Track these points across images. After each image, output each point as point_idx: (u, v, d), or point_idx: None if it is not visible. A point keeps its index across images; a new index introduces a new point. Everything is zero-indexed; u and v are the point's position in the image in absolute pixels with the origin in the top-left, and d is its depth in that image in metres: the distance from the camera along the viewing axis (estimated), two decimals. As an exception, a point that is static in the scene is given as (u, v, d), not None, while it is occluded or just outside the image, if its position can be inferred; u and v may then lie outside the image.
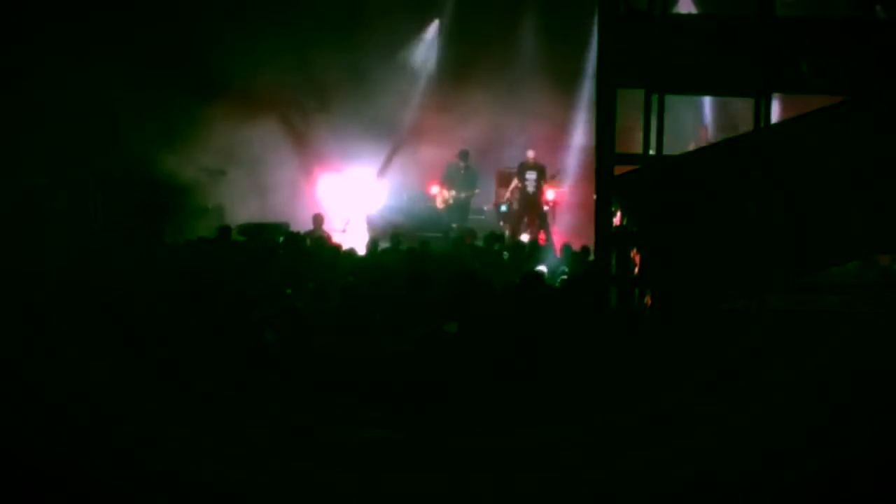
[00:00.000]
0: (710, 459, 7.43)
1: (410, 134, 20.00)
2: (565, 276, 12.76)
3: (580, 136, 19.82)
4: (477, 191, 18.66)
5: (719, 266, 9.66)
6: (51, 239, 14.50)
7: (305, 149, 19.59)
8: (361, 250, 15.21)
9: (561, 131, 20.08)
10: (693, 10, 18.71)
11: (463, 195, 18.38)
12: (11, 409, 7.60)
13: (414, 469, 7.35)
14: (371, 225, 18.64)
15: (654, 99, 9.84)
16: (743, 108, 13.72)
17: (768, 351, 8.95)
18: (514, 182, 18.58)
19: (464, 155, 18.53)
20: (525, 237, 17.77)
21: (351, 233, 18.40)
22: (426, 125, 19.89)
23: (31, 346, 8.39)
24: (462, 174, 18.48)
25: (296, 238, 15.05)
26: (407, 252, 14.05)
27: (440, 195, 18.53)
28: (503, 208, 18.92)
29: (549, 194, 18.76)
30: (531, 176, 18.30)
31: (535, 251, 15.34)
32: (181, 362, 8.30)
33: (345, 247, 15.46)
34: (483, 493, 7.10)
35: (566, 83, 19.93)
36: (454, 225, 17.98)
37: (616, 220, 10.02)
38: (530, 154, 18.55)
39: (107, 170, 17.14)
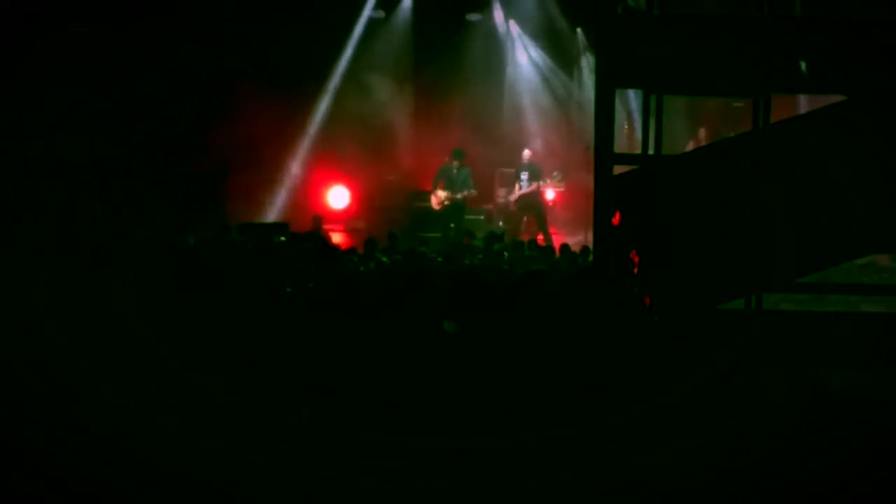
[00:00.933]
0: (708, 460, 7.44)
1: (408, 134, 19.97)
2: None
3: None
4: (473, 191, 18.57)
5: (718, 266, 9.66)
6: (50, 238, 14.49)
7: (305, 148, 19.58)
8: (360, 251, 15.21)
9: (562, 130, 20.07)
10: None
11: (458, 195, 18.32)
12: (11, 409, 7.60)
13: (413, 469, 7.36)
14: (370, 225, 18.64)
15: (653, 99, 9.86)
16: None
17: (767, 351, 8.95)
18: (516, 185, 18.57)
19: (458, 154, 18.45)
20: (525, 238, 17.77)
21: (349, 233, 18.40)
22: (424, 124, 19.87)
23: (30, 346, 8.39)
24: (455, 174, 18.41)
25: (297, 239, 15.05)
26: (406, 252, 14.04)
27: (435, 195, 18.47)
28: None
29: (549, 194, 18.75)
30: (524, 176, 18.31)
31: (535, 251, 15.33)
32: (181, 362, 8.31)
33: (343, 247, 15.47)
34: (483, 492, 7.11)
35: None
36: (451, 225, 17.96)
37: (615, 220, 10.02)
38: (526, 153, 18.54)
39: (107, 168, 17.14)
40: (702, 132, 18.53)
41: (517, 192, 18.41)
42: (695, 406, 8.06)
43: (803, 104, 14.14)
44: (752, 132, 9.94)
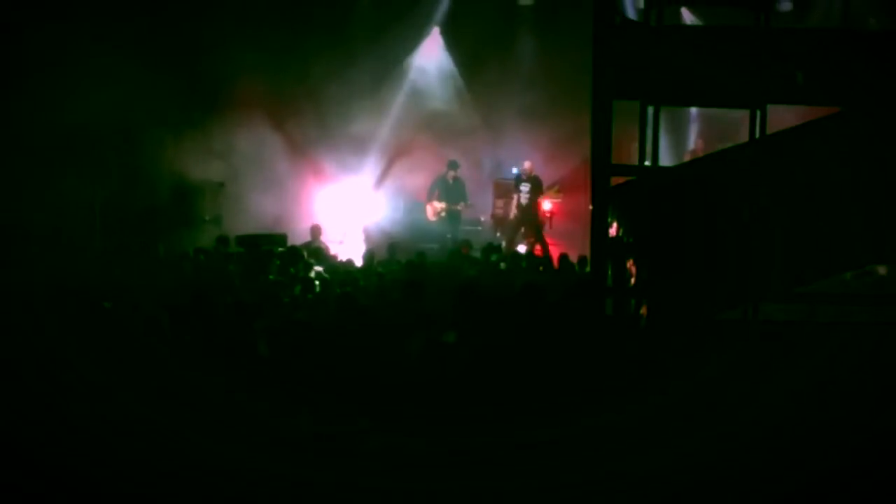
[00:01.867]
0: (703, 464, 7.49)
1: (407, 144, 19.98)
2: None
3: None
4: (470, 203, 18.57)
5: (715, 276, 9.68)
6: (51, 252, 14.55)
7: (303, 160, 19.60)
8: (359, 261, 15.25)
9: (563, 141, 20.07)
10: (695, 21, 18.69)
11: (455, 206, 18.34)
12: (13, 412, 7.65)
13: (412, 470, 7.41)
14: (368, 236, 18.67)
15: (650, 110, 9.87)
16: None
17: (763, 360, 8.97)
18: (515, 196, 18.58)
19: (453, 165, 18.47)
20: (522, 248, 17.81)
21: (348, 244, 18.42)
22: (422, 135, 19.87)
23: (33, 353, 8.44)
24: (451, 185, 18.42)
25: (295, 250, 15.10)
26: (405, 264, 14.09)
27: (431, 207, 18.49)
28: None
29: (546, 205, 18.78)
30: (525, 188, 18.32)
31: (532, 262, 15.38)
32: (182, 370, 8.36)
33: (342, 258, 15.52)
34: (482, 493, 7.16)
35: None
36: (448, 235, 17.98)
37: (612, 231, 10.03)
38: (526, 165, 18.56)
39: (108, 182, 17.19)
40: (699, 143, 18.61)
41: (515, 201, 18.48)
42: (690, 413, 8.10)
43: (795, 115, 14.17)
44: (748, 142, 9.95)
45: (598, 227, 9.82)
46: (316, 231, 17.16)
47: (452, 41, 20.40)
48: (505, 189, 19.22)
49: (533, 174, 18.44)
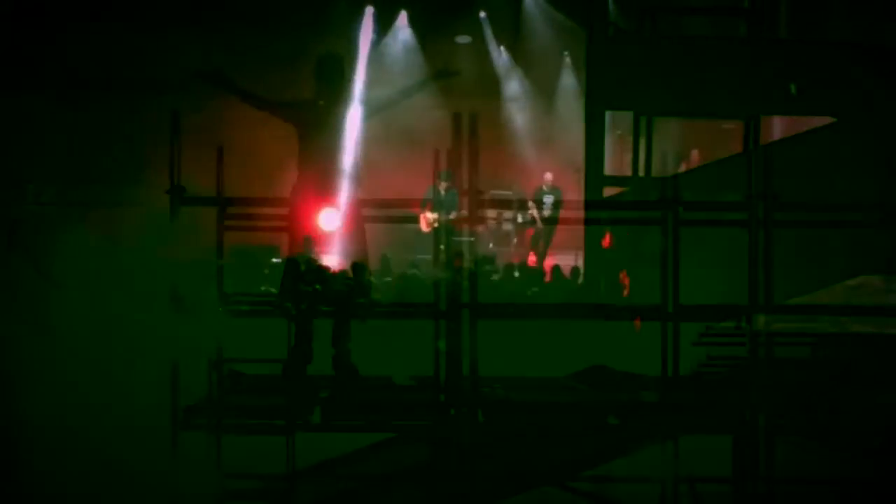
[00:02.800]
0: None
1: (399, 154, 19.94)
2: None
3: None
4: (464, 213, 18.46)
5: (709, 287, 9.65)
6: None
7: (296, 170, 19.55)
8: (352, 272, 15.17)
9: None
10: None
11: (447, 217, 18.21)
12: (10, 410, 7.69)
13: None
14: (360, 248, 18.60)
15: (643, 121, 9.87)
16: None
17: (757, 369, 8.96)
18: (532, 207, 18.52)
19: (446, 174, 18.33)
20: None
21: (341, 255, 18.36)
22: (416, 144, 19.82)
23: (32, 349, 8.48)
24: (444, 195, 18.30)
25: (294, 262, 15.02)
26: (398, 276, 14.05)
27: (423, 218, 18.39)
28: None
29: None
30: (548, 200, 18.25)
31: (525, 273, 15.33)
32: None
33: (335, 269, 15.44)
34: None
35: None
36: (441, 246, 17.88)
37: (605, 242, 10.01)
38: (548, 177, 18.50)
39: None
40: (694, 154, 18.56)
41: (537, 214, 18.42)
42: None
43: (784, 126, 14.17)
44: (743, 153, 9.96)
45: (592, 238, 9.81)
46: (308, 242, 17.09)
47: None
48: (501, 201, 19.15)
49: (555, 187, 18.41)
